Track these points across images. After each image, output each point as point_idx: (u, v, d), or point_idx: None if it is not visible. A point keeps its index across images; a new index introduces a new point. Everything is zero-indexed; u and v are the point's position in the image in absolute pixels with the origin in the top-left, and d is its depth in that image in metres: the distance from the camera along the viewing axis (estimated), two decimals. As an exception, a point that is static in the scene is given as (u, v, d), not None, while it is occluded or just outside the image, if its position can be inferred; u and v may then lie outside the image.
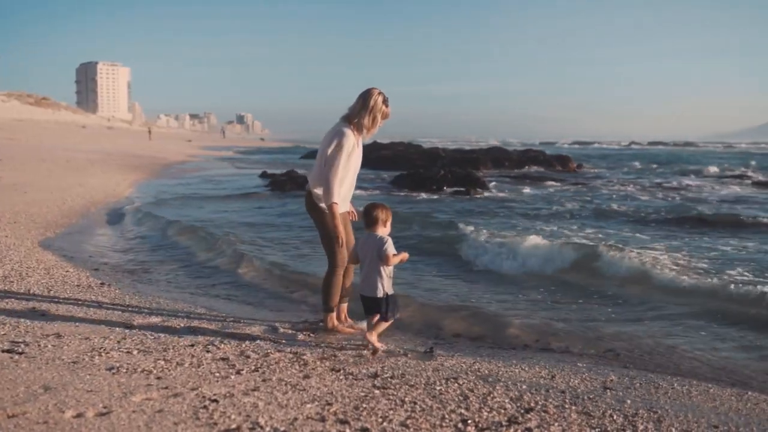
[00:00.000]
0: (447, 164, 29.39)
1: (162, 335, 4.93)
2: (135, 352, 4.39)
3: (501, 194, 18.56)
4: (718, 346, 5.41)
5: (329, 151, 5.16)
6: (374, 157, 37.55)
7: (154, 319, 5.49)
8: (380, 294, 4.77)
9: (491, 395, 3.84)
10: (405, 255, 4.85)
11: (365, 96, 5.15)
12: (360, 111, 5.14)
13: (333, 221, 5.17)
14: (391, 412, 3.48)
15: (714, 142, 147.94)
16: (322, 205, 5.28)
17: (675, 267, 7.73)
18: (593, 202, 16.50)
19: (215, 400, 3.50)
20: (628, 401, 3.87)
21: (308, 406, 3.50)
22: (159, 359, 4.25)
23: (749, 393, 4.24)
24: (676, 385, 4.32)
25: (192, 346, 4.64)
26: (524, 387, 4.05)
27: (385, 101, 5.17)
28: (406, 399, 3.70)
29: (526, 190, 20.14)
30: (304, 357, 4.49)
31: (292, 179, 22.79)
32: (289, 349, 4.70)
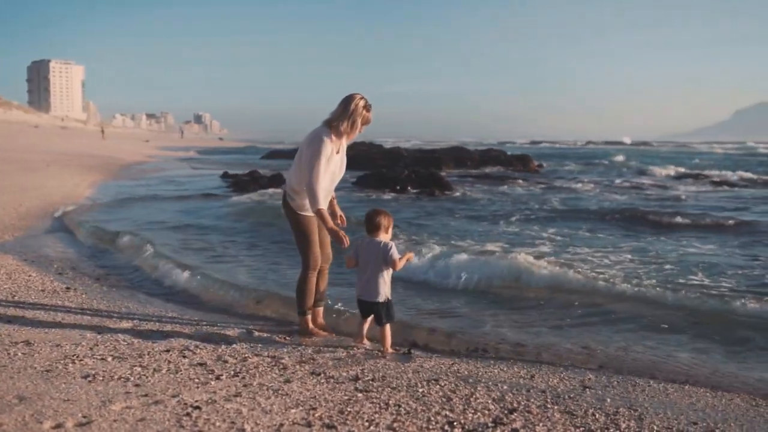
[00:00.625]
0: (409, 164, 29.47)
1: (135, 341, 4.83)
2: (109, 359, 4.29)
3: (465, 195, 18.64)
4: (670, 349, 5.44)
5: (306, 158, 5.13)
6: (335, 156, 37.63)
7: (125, 324, 5.38)
8: (381, 299, 4.82)
9: (474, 396, 3.85)
10: (410, 255, 4.98)
11: (347, 101, 5.14)
12: (340, 115, 5.12)
13: (327, 223, 5.12)
14: (377, 415, 3.46)
15: (668, 142, 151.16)
16: (305, 212, 5.29)
17: (611, 274, 7.47)
18: (554, 202, 16.66)
19: (198, 407, 3.43)
20: (608, 400, 3.92)
21: (293, 411, 3.46)
22: (135, 366, 4.16)
23: (720, 391, 4.34)
24: (652, 383, 4.40)
25: (167, 351, 4.55)
26: (505, 387, 4.07)
27: (366, 107, 5.15)
28: (390, 402, 3.68)
29: (490, 190, 20.28)
30: (283, 361, 4.45)
31: (255, 179, 22.61)
32: (266, 353, 4.65)
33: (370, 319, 5.01)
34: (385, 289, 4.86)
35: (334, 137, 5.15)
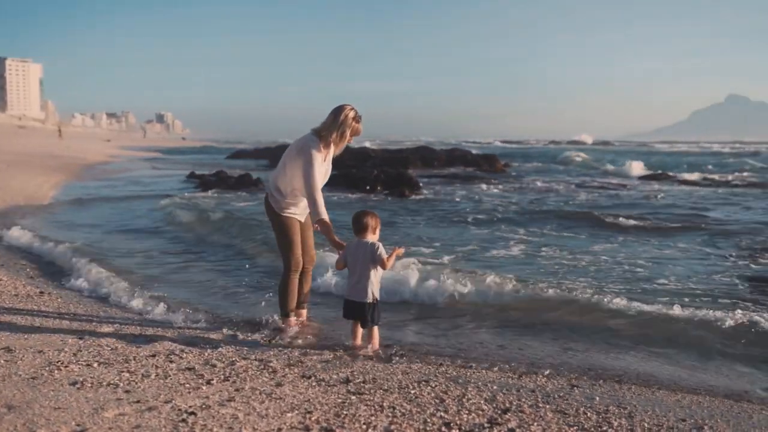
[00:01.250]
0: (378, 164, 29.50)
1: (119, 345, 4.75)
2: (95, 365, 4.22)
3: (433, 195, 18.70)
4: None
5: (298, 165, 5.14)
6: (302, 157, 37.52)
7: (106, 329, 5.30)
8: (370, 299, 4.84)
9: (465, 397, 3.88)
10: (400, 250, 4.97)
11: (337, 111, 5.17)
12: (330, 126, 5.16)
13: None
14: (373, 418, 3.47)
15: (629, 141, 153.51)
16: (287, 213, 5.29)
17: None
18: (522, 203, 16.77)
19: (193, 413, 3.40)
20: (597, 398, 3.98)
21: (289, 415, 3.45)
22: (123, 371, 4.10)
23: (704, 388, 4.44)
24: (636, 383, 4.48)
25: (153, 356, 4.49)
26: (495, 387, 4.11)
27: (355, 118, 5.19)
28: (384, 404, 3.69)
29: (458, 190, 20.37)
30: (271, 364, 4.42)
31: (222, 180, 22.41)
32: (253, 357, 4.62)
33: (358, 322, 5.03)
34: (373, 290, 4.88)
35: (322, 146, 5.19)
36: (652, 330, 5.63)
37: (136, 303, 6.29)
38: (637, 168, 32.33)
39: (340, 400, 3.72)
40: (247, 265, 8.60)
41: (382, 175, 20.80)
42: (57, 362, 4.23)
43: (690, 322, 5.66)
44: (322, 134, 5.19)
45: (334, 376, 4.20)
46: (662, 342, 5.41)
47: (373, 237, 4.96)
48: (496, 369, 4.63)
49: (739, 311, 5.85)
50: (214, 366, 4.33)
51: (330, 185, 20.48)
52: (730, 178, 27.32)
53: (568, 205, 16.38)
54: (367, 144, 50.14)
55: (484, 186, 22.26)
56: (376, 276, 4.92)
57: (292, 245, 5.39)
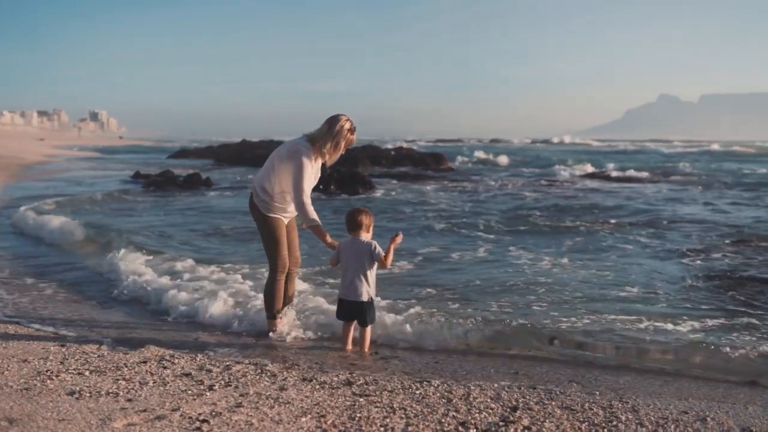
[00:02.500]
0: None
1: (105, 352, 4.61)
2: (87, 373, 4.07)
3: (388, 194, 18.71)
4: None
5: (287, 168, 5.06)
6: (250, 156, 36.99)
7: (87, 333, 5.13)
8: (365, 298, 4.81)
9: (471, 396, 3.89)
10: (397, 239, 4.89)
11: (332, 122, 5.13)
12: (325, 135, 5.11)
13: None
14: (388, 420, 3.44)
15: (571, 139, 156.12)
16: (273, 214, 5.22)
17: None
18: (480, 201, 16.95)
19: (205, 420, 3.31)
20: (597, 393, 4.06)
21: (303, 420, 3.39)
22: (118, 379, 3.96)
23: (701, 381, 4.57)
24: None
25: (144, 362, 4.36)
26: (496, 386, 4.13)
27: (351, 129, 5.16)
28: (395, 405, 3.67)
29: (409, 189, 20.45)
30: (268, 368, 4.35)
31: (170, 180, 21.92)
32: (247, 360, 4.53)
33: (353, 324, 5.00)
34: (368, 289, 4.86)
35: (314, 154, 5.13)
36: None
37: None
38: (578, 167, 33.00)
39: (348, 403, 3.69)
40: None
41: (335, 174, 20.69)
42: (46, 371, 4.06)
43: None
44: (316, 143, 5.14)
45: (335, 379, 4.16)
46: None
47: (366, 235, 4.95)
48: (485, 363, 4.66)
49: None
50: (210, 371, 4.23)
51: (284, 184, 20.27)
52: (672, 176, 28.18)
53: (520, 204, 16.62)
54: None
55: (433, 184, 22.39)
56: (372, 274, 4.90)
57: (278, 246, 5.33)
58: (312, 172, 5.22)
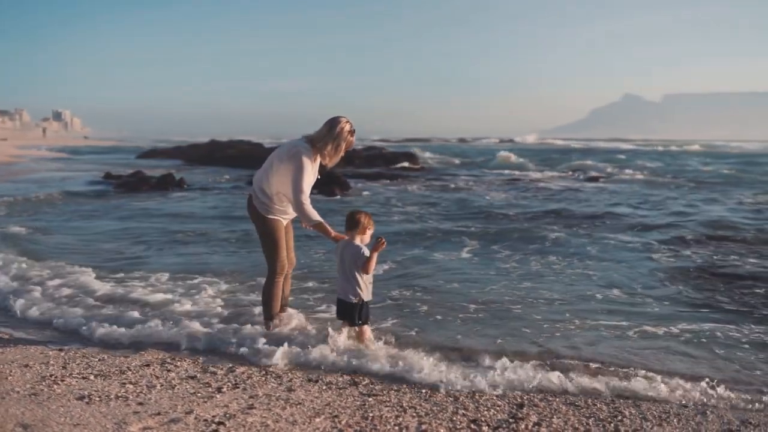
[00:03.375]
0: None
1: (105, 355, 4.58)
2: (92, 377, 4.05)
3: (362, 194, 18.72)
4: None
5: (290, 172, 5.08)
6: (220, 156, 36.69)
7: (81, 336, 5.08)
8: (355, 300, 4.83)
9: (477, 393, 3.96)
10: (381, 246, 4.82)
11: (332, 124, 5.13)
12: (325, 137, 5.11)
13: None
14: (401, 419, 3.50)
15: (538, 138, 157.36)
16: (272, 215, 5.23)
17: None
18: (451, 202, 17.01)
19: (221, 423, 3.34)
20: (599, 390, 4.15)
21: (317, 420, 3.44)
22: (125, 383, 3.96)
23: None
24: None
25: (147, 365, 4.35)
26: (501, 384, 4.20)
27: (351, 131, 5.18)
28: (404, 404, 3.73)
29: (385, 189, 20.50)
30: (271, 369, 4.38)
31: (143, 180, 21.66)
32: (249, 362, 4.55)
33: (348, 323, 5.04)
34: (358, 291, 4.87)
35: (314, 156, 5.15)
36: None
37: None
38: (548, 168, 33.35)
39: (359, 403, 3.74)
40: None
41: (310, 175, 20.62)
42: (50, 376, 4.04)
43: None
44: (316, 145, 5.15)
45: (340, 379, 4.21)
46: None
47: (363, 237, 4.97)
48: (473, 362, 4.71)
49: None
50: (214, 373, 4.24)
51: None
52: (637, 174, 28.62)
53: (499, 205, 16.76)
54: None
55: (410, 184, 22.47)
56: (364, 277, 4.92)
57: (277, 248, 5.33)
58: (311, 172, 5.24)
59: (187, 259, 8.49)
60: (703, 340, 5.27)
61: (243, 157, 35.93)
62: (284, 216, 5.35)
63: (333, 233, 5.08)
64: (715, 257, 8.82)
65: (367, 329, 5.07)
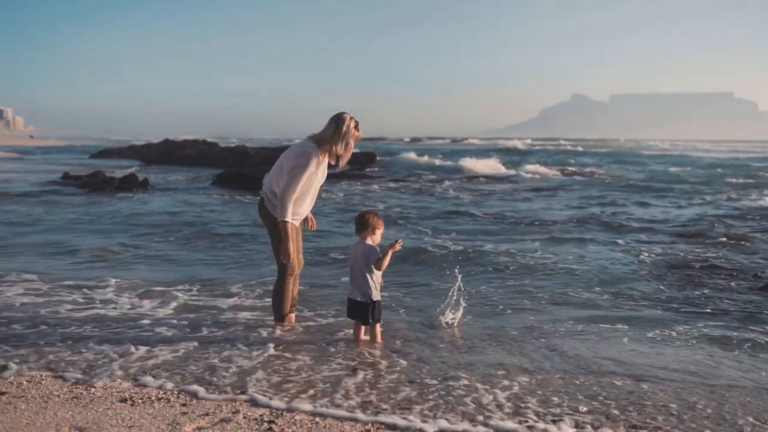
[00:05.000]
0: (259, 163, 29.17)
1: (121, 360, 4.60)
2: (119, 381, 4.09)
3: (332, 194, 18.78)
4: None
5: (291, 169, 5.15)
6: (178, 156, 36.24)
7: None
8: (366, 299, 4.92)
9: (503, 379, 4.13)
10: (397, 246, 4.95)
11: (338, 122, 5.18)
12: (333, 136, 5.15)
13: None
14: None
15: (487, 139, 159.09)
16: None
17: None
18: (416, 203, 17.21)
19: (272, 421, 3.44)
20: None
21: (362, 415, 3.55)
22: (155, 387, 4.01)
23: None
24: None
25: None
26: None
27: (356, 126, 5.25)
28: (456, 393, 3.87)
29: (352, 188, 20.60)
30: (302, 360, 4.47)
31: (106, 181, 21.29)
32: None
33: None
34: (369, 291, 4.97)
35: (321, 155, 5.22)
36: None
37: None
38: (495, 165, 33.41)
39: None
40: None
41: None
42: (83, 381, 4.06)
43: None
44: (324, 145, 5.21)
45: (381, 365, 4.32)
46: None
47: (373, 237, 5.06)
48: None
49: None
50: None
51: (228, 186, 19.80)
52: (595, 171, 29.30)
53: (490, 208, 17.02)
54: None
55: (381, 184, 22.59)
56: (373, 277, 5.03)
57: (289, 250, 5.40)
58: (316, 171, 5.29)
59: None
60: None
61: (201, 156, 35.61)
62: (295, 217, 5.42)
63: (289, 239, 5.16)
64: (697, 254, 9.21)
65: (377, 328, 5.17)
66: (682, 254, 9.12)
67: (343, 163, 5.35)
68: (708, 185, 22.42)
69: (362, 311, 4.98)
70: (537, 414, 3.65)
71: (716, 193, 19.51)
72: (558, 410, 3.72)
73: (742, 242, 10.19)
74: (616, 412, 3.72)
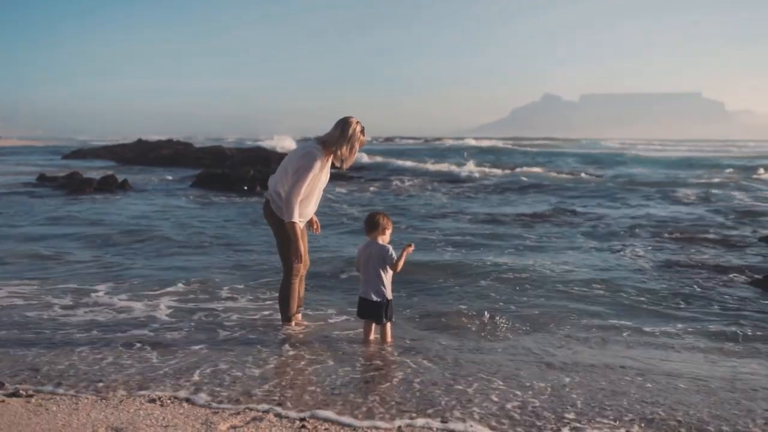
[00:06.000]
0: (237, 163, 29.05)
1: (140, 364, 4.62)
2: (150, 382, 4.11)
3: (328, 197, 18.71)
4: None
5: (296, 170, 5.21)
6: (154, 156, 35.90)
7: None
8: (380, 299, 4.99)
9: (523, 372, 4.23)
10: (409, 249, 5.08)
11: (344, 126, 5.27)
12: (339, 140, 5.24)
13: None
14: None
15: (458, 138, 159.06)
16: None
17: None
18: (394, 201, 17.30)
19: (304, 419, 3.50)
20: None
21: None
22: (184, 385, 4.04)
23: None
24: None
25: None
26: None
27: (362, 130, 5.35)
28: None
29: (331, 189, 20.60)
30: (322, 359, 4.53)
31: (84, 182, 21.00)
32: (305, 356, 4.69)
33: (372, 321, 5.21)
34: (383, 290, 5.07)
35: (325, 157, 5.30)
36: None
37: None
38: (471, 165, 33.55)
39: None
40: None
41: (258, 175, 20.53)
42: (110, 381, 4.08)
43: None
44: (330, 148, 5.28)
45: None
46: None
47: (383, 237, 5.15)
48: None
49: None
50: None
51: (207, 187, 19.64)
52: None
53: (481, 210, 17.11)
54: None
55: (360, 185, 22.61)
56: (387, 276, 5.12)
57: (295, 251, 5.44)
58: (320, 173, 5.35)
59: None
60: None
61: (178, 157, 35.35)
62: (301, 219, 5.47)
63: (299, 239, 5.24)
64: (680, 250, 9.42)
65: (388, 327, 5.25)
66: (661, 254, 9.33)
67: (347, 165, 5.43)
68: (663, 185, 22.40)
69: (377, 310, 5.05)
70: (577, 415, 3.76)
71: (677, 191, 19.63)
72: (574, 414, 3.83)
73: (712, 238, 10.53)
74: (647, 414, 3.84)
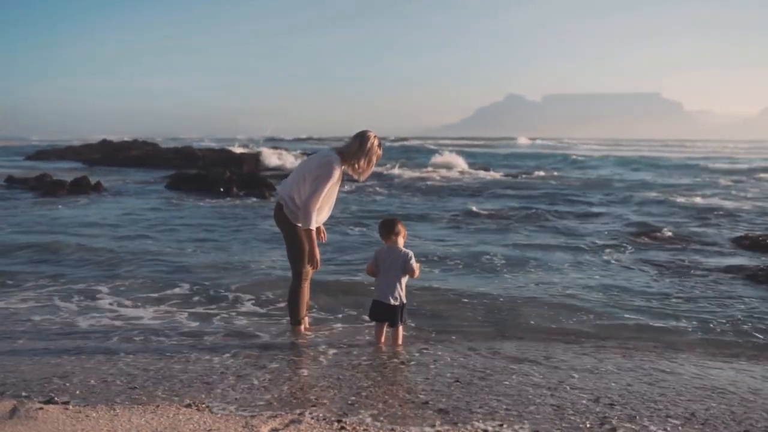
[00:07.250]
0: (209, 164, 28.88)
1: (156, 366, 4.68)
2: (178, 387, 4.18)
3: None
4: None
5: (315, 177, 5.31)
6: (123, 157, 35.40)
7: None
8: (396, 302, 5.12)
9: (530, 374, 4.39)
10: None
11: (362, 139, 5.44)
12: (357, 153, 5.42)
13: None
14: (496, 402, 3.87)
15: (425, 138, 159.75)
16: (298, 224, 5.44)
17: None
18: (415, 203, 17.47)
19: (340, 420, 3.59)
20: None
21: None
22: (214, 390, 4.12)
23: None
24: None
25: (224, 372, 4.50)
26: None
27: (379, 144, 5.54)
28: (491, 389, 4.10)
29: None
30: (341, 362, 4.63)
31: (56, 184, 20.64)
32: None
33: (384, 324, 5.33)
34: (400, 294, 5.21)
35: (343, 167, 5.46)
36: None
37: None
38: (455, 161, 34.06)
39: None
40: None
41: (234, 177, 20.44)
42: (138, 387, 4.13)
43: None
44: (348, 159, 5.43)
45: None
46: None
47: (401, 243, 5.30)
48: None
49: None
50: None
51: (182, 189, 19.45)
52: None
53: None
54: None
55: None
56: (404, 280, 5.26)
57: (305, 255, 5.54)
58: (335, 183, 5.48)
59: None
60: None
61: (147, 157, 34.96)
62: (313, 224, 5.57)
63: (315, 246, 5.41)
64: (666, 250, 9.71)
65: (400, 330, 5.38)
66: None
67: (363, 178, 5.60)
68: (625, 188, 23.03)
69: (393, 314, 5.18)
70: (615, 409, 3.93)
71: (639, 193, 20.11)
72: (592, 415, 4.00)
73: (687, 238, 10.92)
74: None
